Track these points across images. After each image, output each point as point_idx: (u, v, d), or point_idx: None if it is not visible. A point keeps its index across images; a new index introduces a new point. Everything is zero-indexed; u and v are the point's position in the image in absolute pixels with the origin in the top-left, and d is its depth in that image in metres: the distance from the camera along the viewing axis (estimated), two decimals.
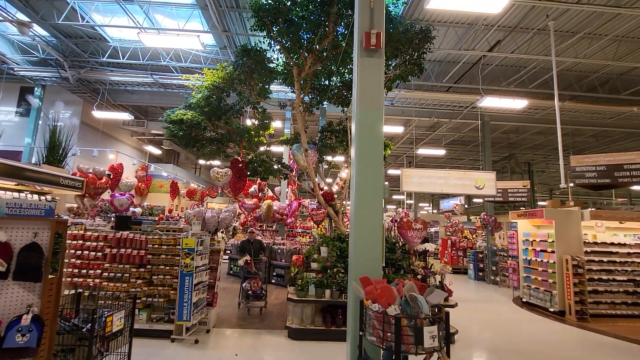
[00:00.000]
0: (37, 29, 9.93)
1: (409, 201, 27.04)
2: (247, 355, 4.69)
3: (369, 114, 2.64)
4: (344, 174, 9.83)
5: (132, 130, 16.10)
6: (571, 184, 9.11)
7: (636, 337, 6.09)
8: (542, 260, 8.11)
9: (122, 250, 5.46)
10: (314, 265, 5.99)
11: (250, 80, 7.17)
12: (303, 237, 11.36)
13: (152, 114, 15.64)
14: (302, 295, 5.43)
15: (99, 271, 5.42)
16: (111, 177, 7.58)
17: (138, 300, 5.32)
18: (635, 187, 17.05)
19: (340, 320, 5.34)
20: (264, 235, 12.37)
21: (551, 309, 7.69)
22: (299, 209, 12.29)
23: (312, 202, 14.55)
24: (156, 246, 5.44)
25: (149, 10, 8.64)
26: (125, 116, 11.70)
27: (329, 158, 8.85)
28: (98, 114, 11.99)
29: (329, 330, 5.30)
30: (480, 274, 12.58)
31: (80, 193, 5.59)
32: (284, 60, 7.21)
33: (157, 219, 10.58)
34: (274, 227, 14.26)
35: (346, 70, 7.17)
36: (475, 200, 24.61)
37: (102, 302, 5.05)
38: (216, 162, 19.46)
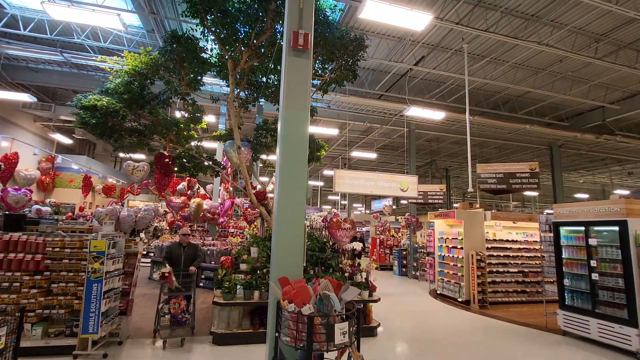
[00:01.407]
0: None
1: (343, 202, 28.02)
2: None
3: (295, 114, 2.62)
4: None
5: (35, 115, 13.82)
6: (473, 190, 10.35)
7: (524, 320, 7.15)
8: (453, 256, 9.04)
9: (12, 255, 4.62)
10: (243, 266, 5.79)
11: (180, 69, 6.66)
12: (235, 237, 10.97)
13: (61, 97, 13.61)
14: (229, 298, 5.20)
15: None
16: (2, 168, 6.37)
17: (31, 313, 4.56)
18: (526, 193, 20.12)
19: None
20: (193, 235, 11.63)
21: (459, 299, 8.60)
22: (232, 208, 11.84)
23: (246, 201, 14.17)
24: (57, 249, 4.73)
25: None
26: (25, 97, 9.97)
27: (264, 157, 8.68)
28: None
29: (257, 332, 5.17)
30: (404, 269, 13.56)
31: None
32: (218, 52, 6.86)
33: (64, 217, 9.24)
34: (205, 226, 13.52)
35: None
36: (402, 201, 26.52)
37: None
38: (140, 156, 17.75)
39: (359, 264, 5.57)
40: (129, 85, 6.14)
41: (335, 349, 1.69)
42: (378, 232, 16.54)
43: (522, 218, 9.34)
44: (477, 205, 9.22)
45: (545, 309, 6.91)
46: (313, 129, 10.41)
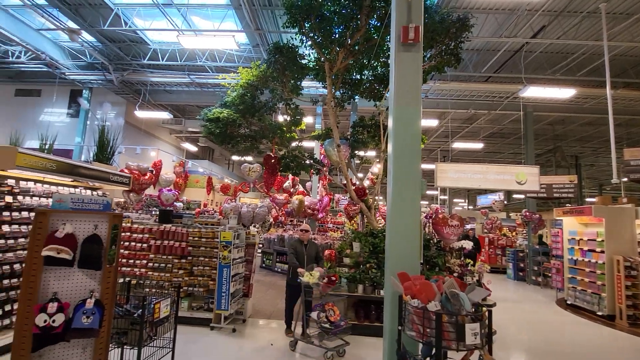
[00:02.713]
0: (85, 35, 10.65)
1: (442, 197, 26.27)
2: (282, 345, 4.83)
3: (407, 111, 2.60)
4: (375, 168, 9.74)
5: (170, 128, 16.92)
6: (624, 179, 8.40)
7: None
8: (589, 261, 7.59)
9: (166, 242, 5.79)
10: (346, 260, 6.02)
11: (283, 77, 7.28)
12: (334, 232, 11.40)
13: (189, 113, 16.33)
14: (335, 289, 5.48)
15: (144, 261, 5.80)
16: (154, 172, 8.04)
17: (181, 290, 5.66)
18: None
19: (373, 315, 5.35)
20: (294, 230, 12.57)
21: (599, 313, 7.19)
22: (329, 204, 12.35)
23: (344, 197, 14.57)
24: (196, 239, 5.72)
25: (186, 13, 8.99)
26: (165, 115, 12.32)
27: (361, 153, 8.80)
28: (140, 114, 12.72)
29: (362, 324, 5.33)
30: (521, 273, 11.99)
31: (127, 188, 6.00)
32: (316, 56, 7.24)
33: (194, 213, 11.11)
34: (304, 222, 14.48)
35: (379, 64, 7.07)
36: (515, 196, 23.39)
37: (148, 290, 5.42)
38: (248, 158, 19.97)
39: (469, 264, 5.20)
40: (243, 97, 7.03)
41: (465, 349, 1.66)
42: (486, 230, 15.00)
43: None
44: (624, 200, 7.53)
45: None
46: None
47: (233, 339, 5.01)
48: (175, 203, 8.85)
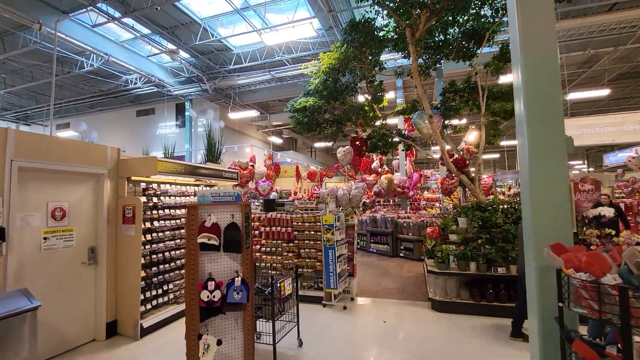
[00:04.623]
0: (182, 54, 12.11)
1: None
2: (394, 323, 4.90)
3: (538, 60, 2.24)
4: (471, 137, 8.94)
5: (257, 125, 18.28)
6: None
7: None
8: None
9: (274, 228, 6.35)
10: (452, 237, 5.74)
11: (361, 55, 7.13)
12: (432, 209, 10.93)
13: (272, 108, 17.35)
14: (444, 267, 5.29)
15: (258, 247, 6.47)
16: (253, 166, 8.84)
17: (291, 270, 6.18)
18: None
19: (490, 294, 5.01)
20: (386, 209, 12.46)
21: None
22: (420, 180, 11.87)
23: (435, 172, 13.82)
24: (300, 224, 6.13)
25: (262, 13, 9.45)
26: (253, 113, 13.34)
27: (454, 122, 8.17)
28: (232, 115, 14.03)
29: (479, 304, 5.04)
30: None
31: (236, 183, 6.73)
32: (394, 25, 6.88)
33: (290, 200, 11.89)
34: (391, 201, 14.22)
35: (471, 17, 6.38)
36: None
37: (264, 272, 6.04)
38: (323, 144, 20.32)
39: (610, 235, 4.41)
40: (325, 83, 7.13)
41: None
42: (618, 195, 12.52)
43: None
44: None
45: None
46: (510, 77, 8.82)
47: (346, 315, 5.27)
48: (271, 193, 9.59)
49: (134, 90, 14.92)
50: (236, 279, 2.66)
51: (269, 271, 6.03)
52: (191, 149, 15.57)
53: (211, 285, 2.60)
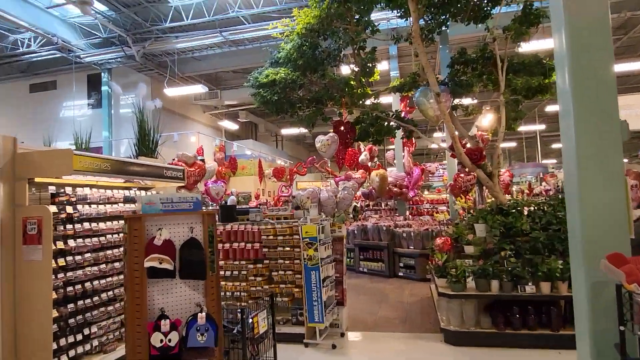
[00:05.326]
0: (97, 5, 11.60)
1: None
2: None
3: (588, 24, 2.34)
4: (485, 121, 9.28)
5: (204, 105, 17.93)
6: None
7: None
8: None
9: (235, 244, 6.26)
10: (469, 249, 5.92)
11: (346, 12, 7.17)
12: (437, 214, 11.23)
13: (224, 82, 17.08)
14: (459, 288, 5.45)
15: None
16: (204, 161, 8.65)
17: (260, 301, 6.12)
18: None
19: (517, 320, 5.23)
20: (379, 216, 12.66)
21: None
22: (422, 177, 12.16)
23: (440, 166, 14.24)
24: (271, 237, 6.08)
25: None
26: (199, 89, 13.07)
27: (466, 101, 8.43)
28: (170, 92, 13.66)
29: (503, 333, 5.25)
30: None
31: (183, 184, 6.55)
32: None
33: (253, 206, 11.76)
34: (384, 204, 14.48)
35: None
36: None
37: (228, 303, 5.95)
38: (294, 131, 20.29)
39: None
40: (300, 49, 7.11)
41: None
42: None
43: None
44: None
45: None
46: (535, 45, 9.16)
47: (337, 357, 5.31)
48: (229, 197, 9.45)
49: (27, 56, 14.11)
50: (199, 315, 2.60)
51: (233, 303, 5.94)
52: (112, 137, 15.01)
53: (165, 325, 2.52)
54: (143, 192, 6.28)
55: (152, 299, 2.69)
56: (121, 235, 5.53)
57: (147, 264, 2.55)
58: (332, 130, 8.50)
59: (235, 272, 6.26)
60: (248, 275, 6.18)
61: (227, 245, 6.31)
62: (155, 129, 8.24)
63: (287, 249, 5.99)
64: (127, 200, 5.78)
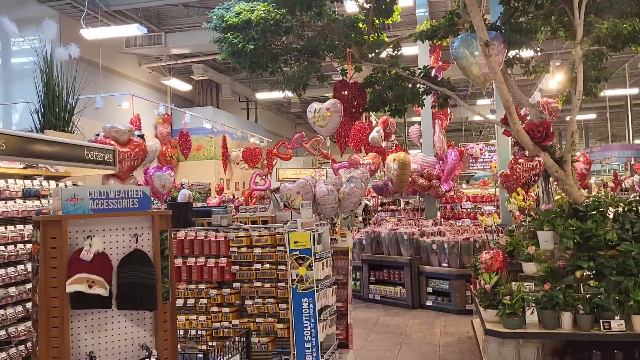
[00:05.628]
0: None
1: None
2: None
3: None
4: (554, 82, 9.36)
5: (141, 55, 17.79)
6: None
7: None
8: None
9: (192, 260, 6.27)
10: (529, 267, 6.00)
11: None
12: (482, 216, 11.26)
13: (170, 21, 16.95)
14: (516, 324, 5.53)
15: None
16: (143, 138, 8.62)
17: (228, 342, 6.17)
18: None
19: None
20: (398, 219, 12.75)
21: None
22: (460, 164, 12.24)
23: (489, 148, 14.42)
24: (243, 250, 6.10)
25: None
26: (135, 30, 12.96)
27: (527, 54, 8.49)
28: (90, 34, 13.50)
29: None
30: None
31: (113, 171, 6.54)
32: None
33: (215, 204, 11.78)
34: (404, 202, 14.55)
35: None
36: None
37: (183, 344, 5.99)
38: (274, 95, 20.23)
39: None
40: None
41: None
42: None
43: None
44: None
45: None
46: None
47: None
48: (181, 191, 9.46)
49: None
50: None
51: (190, 345, 5.98)
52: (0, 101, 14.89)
53: None
54: (53, 183, 6.28)
55: (76, 340, 2.70)
56: (26, 246, 5.54)
57: (70, 288, 2.55)
58: (331, 95, 8.51)
59: (191, 301, 6.28)
60: (209, 305, 6.21)
61: (178, 262, 6.33)
62: (69, 90, 8.21)
63: (267, 266, 6.02)
64: (29, 194, 5.77)
